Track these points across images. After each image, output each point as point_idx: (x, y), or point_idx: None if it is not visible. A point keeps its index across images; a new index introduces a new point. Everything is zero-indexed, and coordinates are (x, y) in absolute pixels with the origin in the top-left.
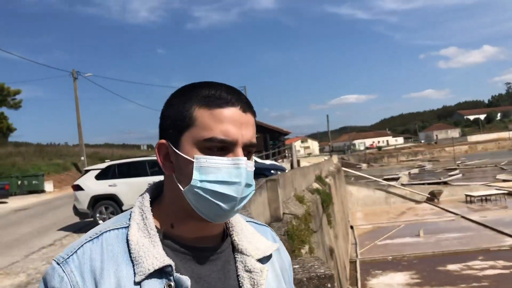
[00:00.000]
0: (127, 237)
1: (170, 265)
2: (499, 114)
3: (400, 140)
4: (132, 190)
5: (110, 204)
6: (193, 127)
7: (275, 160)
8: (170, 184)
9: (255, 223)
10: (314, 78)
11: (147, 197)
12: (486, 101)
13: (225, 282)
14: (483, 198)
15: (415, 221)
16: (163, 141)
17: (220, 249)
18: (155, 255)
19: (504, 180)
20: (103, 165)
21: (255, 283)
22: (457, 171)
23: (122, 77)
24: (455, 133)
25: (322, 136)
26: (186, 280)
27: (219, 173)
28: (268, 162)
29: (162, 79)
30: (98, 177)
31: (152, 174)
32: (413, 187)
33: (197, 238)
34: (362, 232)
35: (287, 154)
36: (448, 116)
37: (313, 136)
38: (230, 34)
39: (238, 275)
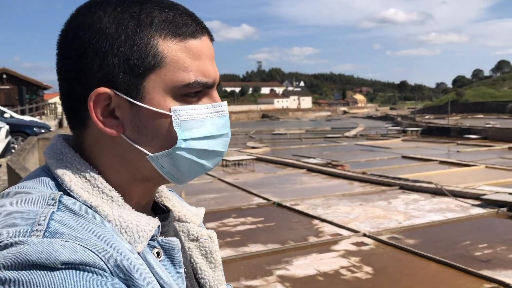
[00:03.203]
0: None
1: (159, 226)
2: (250, 89)
3: None
4: None
5: None
6: (161, 68)
7: (32, 117)
8: (113, 147)
9: None
10: None
11: (69, 150)
12: (241, 76)
13: (184, 254)
14: (236, 162)
15: None
16: (105, 89)
17: (169, 217)
18: (141, 215)
19: (253, 147)
20: None
21: (208, 251)
22: None
23: None
24: None
25: None
26: (176, 241)
27: (203, 127)
28: (27, 118)
29: None
30: None
31: None
32: None
33: (141, 207)
34: None
35: (45, 111)
36: None
37: None
38: None
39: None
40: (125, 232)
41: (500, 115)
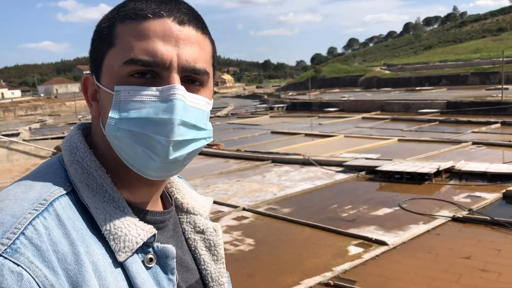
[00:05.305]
0: (79, 206)
1: (154, 235)
2: None
3: (17, 93)
4: None
5: None
6: (112, 49)
7: None
8: (100, 130)
9: None
10: None
11: (83, 145)
12: None
13: (182, 248)
14: None
15: None
16: (87, 75)
17: (171, 211)
18: (136, 223)
19: None
20: None
21: (212, 244)
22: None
23: None
24: (75, 87)
25: None
26: (172, 249)
27: (143, 109)
28: None
29: None
30: None
31: None
32: (37, 143)
33: (143, 200)
34: None
35: None
36: (67, 70)
37: None
38: None
39: (187, 238)
40: (113, 239)
41: (353, 89)
